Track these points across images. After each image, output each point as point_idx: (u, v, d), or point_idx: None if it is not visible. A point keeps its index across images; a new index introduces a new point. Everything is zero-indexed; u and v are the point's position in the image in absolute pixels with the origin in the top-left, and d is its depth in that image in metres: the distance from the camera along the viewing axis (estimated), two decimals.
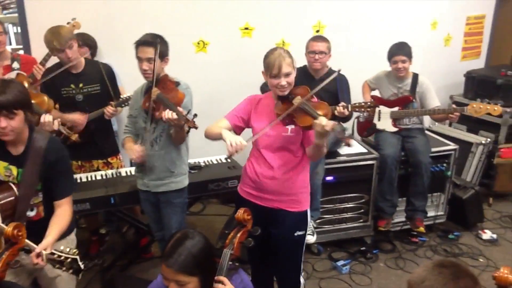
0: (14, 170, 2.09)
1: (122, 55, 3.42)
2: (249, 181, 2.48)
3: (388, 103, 3.70)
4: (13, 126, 1.98)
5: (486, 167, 4.41)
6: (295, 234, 2.47)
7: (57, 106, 3.06)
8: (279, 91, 2.34)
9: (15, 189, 2.07)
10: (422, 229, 3.72)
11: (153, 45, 2.56)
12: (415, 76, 3.66)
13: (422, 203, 3.72)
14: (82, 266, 1.85)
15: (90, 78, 3.12)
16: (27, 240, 1.89)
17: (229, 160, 3.45)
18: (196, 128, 2.44)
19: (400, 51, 3.58)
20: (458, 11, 5.06)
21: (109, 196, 2.92)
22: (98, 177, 3.14)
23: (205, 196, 3.90)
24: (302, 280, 2.67)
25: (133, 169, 3.12)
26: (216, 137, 2.41)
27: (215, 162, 3.44)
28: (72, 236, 2.32)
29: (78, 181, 3.07)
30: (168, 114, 2.45)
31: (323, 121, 2.11)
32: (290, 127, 2.35)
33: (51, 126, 2.75)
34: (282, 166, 2.39)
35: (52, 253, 1.88)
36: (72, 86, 3.09)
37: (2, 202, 2.05)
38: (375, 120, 3.75)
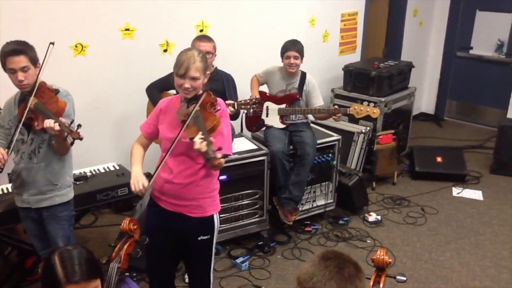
0: None
1: None
2: (155, 183, 2.43)
3: (275, 100, 3.81)
4: None
5: (368, 154, 4.74)
6: (198, 238, 2.44)
7: None
8: (182, 92, 2.29)
9: None
10: (290, 223, 3.85)
11: (23, 52, 2.37)
12: (303, 75, 3.81)
13: (299, 194, 3.83)
14: None
15: None
16: None
17: (117, 167, 3.33)
18: (81, 139, 2.31)
19: (293, 46, 3.69)
20: (333, 8, 5.37)
21: None
22: None
23: (95, 207, 3.71)
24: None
25: (9, 186, 2.87)
26: None
27: (102, 170, 3.29)
28: None
29: None
30: (49, 124, 2.28)
31: (196, 144, 2.07)
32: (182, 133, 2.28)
33: None
34: (181, 172, 2.34)
35: None
36: None
37: None
38: (263, 116, 3.85)
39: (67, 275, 1.54)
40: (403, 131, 5.27)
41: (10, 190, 2.86)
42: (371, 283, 1.68)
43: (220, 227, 3.60)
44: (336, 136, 4.08)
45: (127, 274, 1.87)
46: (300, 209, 3.94)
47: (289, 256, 3.68)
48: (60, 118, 2.32)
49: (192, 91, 2.27)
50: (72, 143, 2.33)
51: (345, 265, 1.44)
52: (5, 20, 3.38)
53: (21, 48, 2.38)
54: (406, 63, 5.42)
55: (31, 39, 2.50)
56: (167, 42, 4.20)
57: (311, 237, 3.93)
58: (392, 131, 4.84)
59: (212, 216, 2.45)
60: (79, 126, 2.31)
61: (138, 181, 2.24)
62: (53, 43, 2.43)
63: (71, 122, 2.31)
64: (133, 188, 2.25)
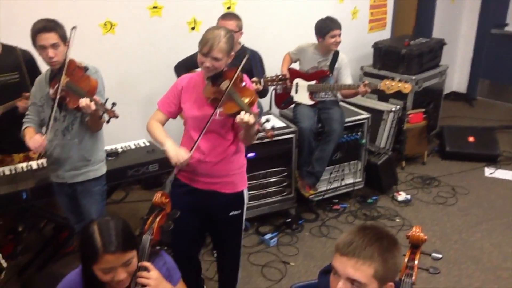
0: None
1: (19, 43, 3.15)
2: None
3: (305, 76, 3.77)
4: None
5: (397, 133, 4.67)
6: (230, 214, 2.47)
7: None
8: (203, 69, 2.29)
9: None
10: (308, 194, 3.83)
11: (53, 29, 2.39)
12: (336, 52, 3.75)
13: (320, 169, 3.81)
14: (4, 264, 1.70)
15: (7, 66, 2.90)
16: None
17: (147, 144, 3.36)
18: (116, 117, 2.32)
19: (336, 25, 3.64)
20: None
21: (20, 191, 2.73)
22: (7, 172, 2.93)
23: (126, 183, 3.77)
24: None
25: (44, 161, 2.94)
26: (156, 142, 2.41)
27: (133, 147, 3.33)
28: None
29: None
30: (85, 103, 2.29)
31: (245, 117, 2.07)
32: (219, 110, 2.28)
33: None
34: (212, 149, 2.35)
35: None
36: None
37: None
38: (293, 93, 3.82)
39: (104, 244, 1.58)
40: (433, 110, 5.16)
41: (45, 165, 2.93)
42: (406, 259, 1.66)
43: (248, 203, 3.65)
44: (365, 114, 4.03)
45: (158, 248, 1.89)
46: (325, 188, 3.94)
47: (317, 234, 3.68)
48: (94, 97, 2.34)
49: (212, 70, 2.26)
50: (108, 121, 2.34)
51: (383, 236, 1.45)
52: (34, 2, 3.41)
53: (52, 25, 2.41)
54: (437, 40, 5.27)
55: (60, 18, 2.51)
56: (194, 20, 4.18)
57: (339, 215, 3.92)
58: (423, 110, 4.74)
59: (242, 191, 2.48)
60: (114, 104, 2.32)
61: (178, 153, 2.26)
62: (75, 28, 2.43)
63: (106, 101, 2.33)
64: (175, 160, 2.25)
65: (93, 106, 2.29)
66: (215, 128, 2.32)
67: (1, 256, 1.69)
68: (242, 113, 2.09)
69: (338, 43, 3.68)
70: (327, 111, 3.78)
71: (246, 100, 2.19)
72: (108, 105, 2.31)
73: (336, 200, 4.05)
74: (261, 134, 2.12)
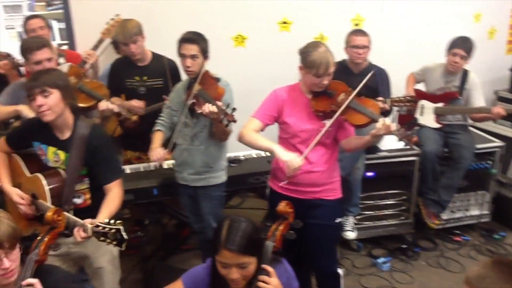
0: (62, 154, 2.18)
1: (163, 51, 3.44)
2: (284, 176, 2.44)
3: (432, 98, 3.61)
4: (49, 104, 2.07)
5: None
6: (336, 221, 2.50)
7: (122, 96, 3.20)
8: (317, 88, 2.32)
9: (63, 174, 2.14)
10: (433, 225, 3.62)
11: (196, 42, 2.60)
12: (465, 72, 3.55)
13: (448, 198, 3.60)
14: (125, 236, 1.85)
15: (154, 72, 3.22)
16: (73, 216, 1.95)
17: (268, 154, 3.44)
18: (234, 121, 2.44)
19: (462, 44, 3.46)
20: (502, 3, 4.89)
21: (152, 187, 2.98)
22: (141, 169, 3.21)
23: (244, 190, 3.91)
24: (340, 271, 2.69)
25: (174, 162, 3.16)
26: (260, 149, 2.46)
27: (254, 156, 3.43)
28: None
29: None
30: (208, 108, 2.46)
31: (388, 123, 2.13)
32: (328, 122, 2.34)
33: (111, 110, 2.84)
34: (319, 160, 2.40)
35: (97, 226, 1.87)
36: (137, 78, 3.21)
37: (51, 187, 2.13)
38: (417, 115, 3.67)
39: (227, 240, 1.66)
40: None
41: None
42: None
43: (362, 224, 3.58)
44: (498, 142, 3.75)
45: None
46: (447, 217, 3.71)
47: (434, 264, 3.47)
48: (217, 102, 2.49)
49: (327, 85, 2.32)
50: (226, 125, 2.46)
51: None
52: (179, 14, 3.77)
53: (196, 38, 2.62)
54: None
55: (197, 29, 2.71)
56: (322, 36, 4.22)
57: (460, 248, 3.66)
58: None
59: (340, 198, 2.52)
60: (234, 109, 2.43)
61: (293, 159, 2.22)
62: None
63: (227, 106, 2.45)
64: (296, 165, 2.20)
65: (214, 109, 2.42)
66: (323, 139, 2.38)
67: (123, 228, 1.83)
68: (384, 120, 2.16)
69: (457, 63, 3.45)
70: (456, 136, 3.57)
71: (376, 111, 2.25)
72: (229, 110, 2.42)
73: (458, 232, 3.79)
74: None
